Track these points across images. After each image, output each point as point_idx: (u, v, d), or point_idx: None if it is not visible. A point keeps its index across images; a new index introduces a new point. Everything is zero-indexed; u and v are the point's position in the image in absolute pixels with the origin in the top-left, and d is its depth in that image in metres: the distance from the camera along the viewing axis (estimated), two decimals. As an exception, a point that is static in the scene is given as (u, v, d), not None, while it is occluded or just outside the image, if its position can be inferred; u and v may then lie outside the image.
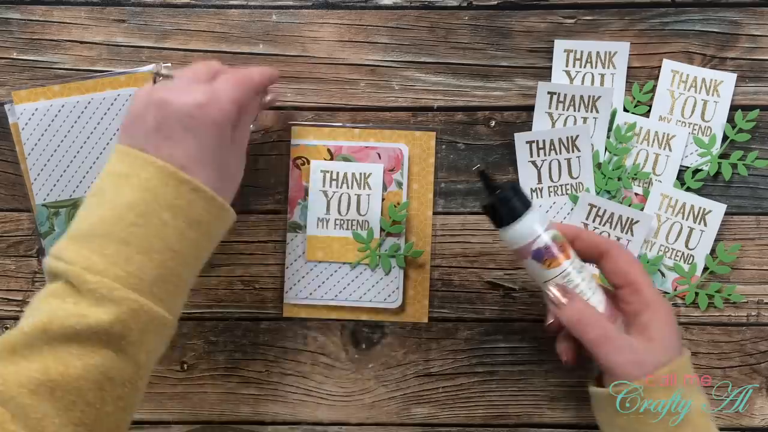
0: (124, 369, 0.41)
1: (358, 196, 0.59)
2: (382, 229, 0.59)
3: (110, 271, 0.41)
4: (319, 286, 0.60)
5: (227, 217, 0.47)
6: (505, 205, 0.48)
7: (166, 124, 0.44)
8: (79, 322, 0.39)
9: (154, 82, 0.49)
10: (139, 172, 0.43)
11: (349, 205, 0.59)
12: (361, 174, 0.59)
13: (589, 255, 0.50)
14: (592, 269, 0.51)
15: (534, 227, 0.48)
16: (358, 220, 0.60)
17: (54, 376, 0.39)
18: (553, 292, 0.48)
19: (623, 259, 0.49)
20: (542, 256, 0.48)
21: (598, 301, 0.49)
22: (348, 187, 0.59)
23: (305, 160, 0.60)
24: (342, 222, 0.60)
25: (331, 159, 0.60)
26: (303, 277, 0.60)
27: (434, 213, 0.60)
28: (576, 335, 0.48)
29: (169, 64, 0.51)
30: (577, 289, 0.49)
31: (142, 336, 0.41)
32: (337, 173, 0.59)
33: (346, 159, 0.60)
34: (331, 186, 0.59)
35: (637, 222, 0.59)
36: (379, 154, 0.60)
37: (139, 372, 0.42)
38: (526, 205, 0.49)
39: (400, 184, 0.60)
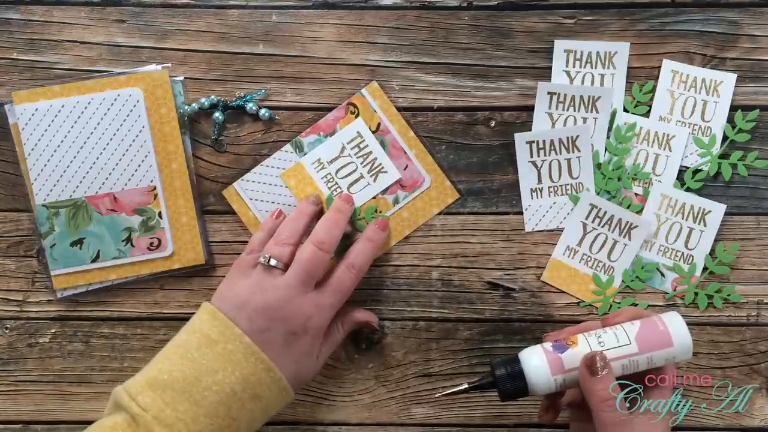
0: None
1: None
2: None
3: (176, 427, 0.45)
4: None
5: (288, 398, 0.52)
6: (508, 384, 0.49)
7: (270, 324, 0.50)
8: None
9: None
10: (226, 342, 0.49)
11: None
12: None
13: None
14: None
15: (534, 361, 0.49)
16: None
17: None
18: (589, 364, 0.48)
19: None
20: (562, 347, 0.49)
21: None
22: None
23: None
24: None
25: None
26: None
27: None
28: (593, 411, 0.48)
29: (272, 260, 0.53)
30: (605, 342, 0.49)
31: None
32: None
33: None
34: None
35: (636, 227, 0.59)
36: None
37: None
38: (518, 373, 0.49)
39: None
